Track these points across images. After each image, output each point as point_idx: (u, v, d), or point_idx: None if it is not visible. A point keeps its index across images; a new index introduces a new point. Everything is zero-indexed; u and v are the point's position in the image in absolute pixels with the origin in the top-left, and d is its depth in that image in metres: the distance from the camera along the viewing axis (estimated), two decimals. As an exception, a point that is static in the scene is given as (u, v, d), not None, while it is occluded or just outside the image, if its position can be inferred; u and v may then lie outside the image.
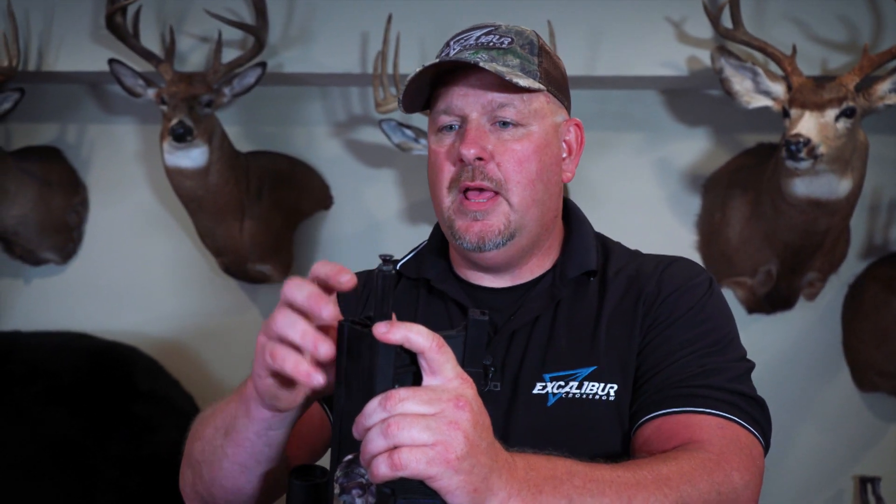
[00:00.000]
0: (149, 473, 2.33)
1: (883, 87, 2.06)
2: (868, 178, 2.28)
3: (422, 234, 2.68)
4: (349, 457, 0.72)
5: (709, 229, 2.56)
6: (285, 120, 2.74)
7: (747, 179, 2.44)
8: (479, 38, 1.08)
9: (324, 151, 2.74)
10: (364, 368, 0.71)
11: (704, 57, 2.32)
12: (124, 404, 2.43)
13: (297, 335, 0.74)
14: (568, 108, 1.16)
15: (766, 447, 1.01)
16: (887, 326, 2.43)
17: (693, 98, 2.55)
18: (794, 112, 2.06)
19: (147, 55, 2.36)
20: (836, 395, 2.58)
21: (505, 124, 1.07)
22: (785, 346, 2.57)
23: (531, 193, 1.08)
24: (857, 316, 2.52)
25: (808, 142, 1.98)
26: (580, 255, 1.13)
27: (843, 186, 2.11)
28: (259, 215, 2.57)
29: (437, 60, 1.06)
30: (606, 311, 1.08)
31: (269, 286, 2.75)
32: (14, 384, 2.42)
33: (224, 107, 2.46)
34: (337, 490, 0.73)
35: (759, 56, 2.23)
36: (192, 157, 2.35)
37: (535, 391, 1.03)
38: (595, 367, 1.04)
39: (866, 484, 2.49)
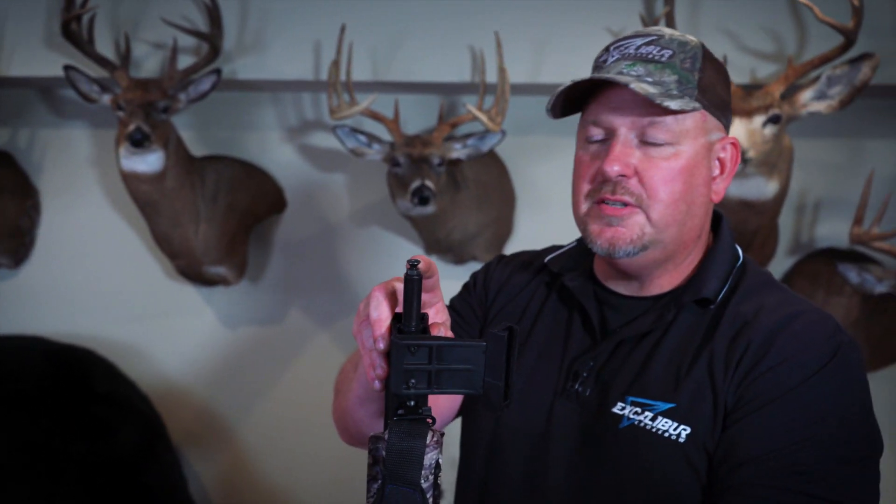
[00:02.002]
0: (111, 473, 2.37)
1: (805, 96, 2.21)
2: (795, 180, 2.43)
3: (374, 236, 2.79)
4: (375, 434, 0.81)
5: (648, 229, 2.70)
6: (239, 125, 2.80)
7: (683, 181, 2.58)
8: (639, 47, 1.06)
9: (277, 156, 2.80)
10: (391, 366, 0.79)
11: (642, 66, 2.44)
12: (84, 406, 2.46)
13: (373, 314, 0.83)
14: (726, 126, 1.13)
15: None
16: (813, 319, 2.60)
17: (632, 104, 2.68)
18: (724, 118, 2.20)
19: (102, 62, 2.40)
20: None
21: (655, 144, 1.05)
22: (720, 338, 2.71)
23: (672, 213, 1.06)
24: (785, 309, 2.69)
25: (737, 147, 2.11)
26: (704, 280, 1.09)
27: (770, 188, 2.25)
28: (214, 219, 2.62)
29: (591, 77, 1.05)
30: (706, 351, 1.03)
31: (223, 288, 2.80)
32: (-29, 388, 2.43)
33: (179, 112, 2.51)
34: (370, 461, 0.81)
35: (692, 65, 2.36)
36: (149, 161, 2.39)
37: (614, 409, 1.05)
38: (674, 405, 1.02)
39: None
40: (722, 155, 1.11)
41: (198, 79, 2.44)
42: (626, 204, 1.05)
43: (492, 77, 2.39)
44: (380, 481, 0.79)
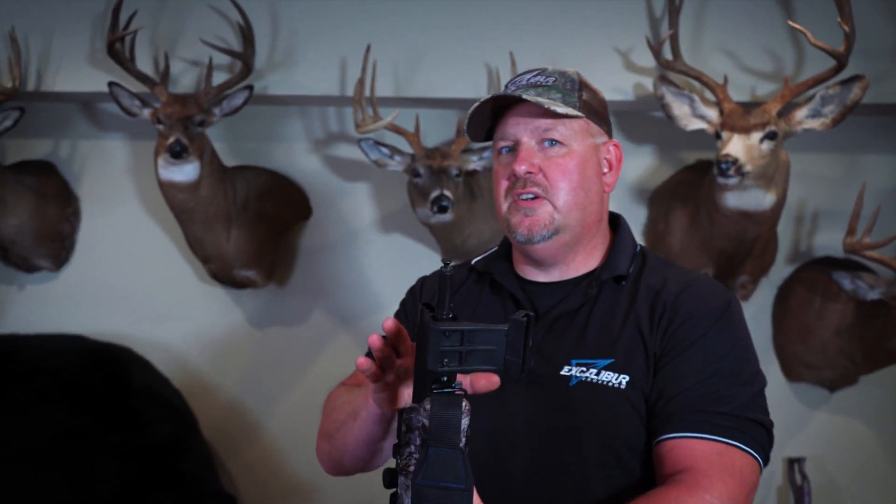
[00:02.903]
0: (145, 462, 2.53)
1: (801, 114, 2.36)
2: (793, 191, 2.57)
3: (394, 242, 2.95)
4: (412, 405, 0.96)
5: (654, 237, 2.84)
6: (267, 137, 2.97)
7: (687, 193, 2.73)
8: (529, 79, 1.31)
9: (303, 166, 2.97)
10: (422, 345, 0.94)
11: (648, 84, 2.58)
12: (120, 399, 2.63)
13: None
14: (608, 132, 1.36)
15: (766, 463, 1.21)
16: (811, 324, 2.73)
17: (639, 120, 2.83)
18: (724, 134, 2.34)
19: (143, 78, 2.57)
20: (768, 386, 2.86)
21: (551, 143, 1.28)
22: (722, 342, 2.85)
23: (573, 199, 1.28)
24: (784, 314, 2.82)
25: (735, 161, 2.26)
26: (616, 261, 1.32)
27: (768, 199, 2.39)
28: (245, 225, 2.79)
29: (492, 95, 1.30)
30: (631, 316, 1.26)
31: (252, 291, 2.96)
32: (16, 382, 2.60)
33: (213, 125, 2.68)
34: (404, 428, 0.96)
35: (695, 84, 2.51)
36: (185, 171, 2.56)
37: (562, 372, 1.24)
38: (613, 360, 1.23)
39: (793, 464, 2.79)
40: (608, 156, 1.35)
41: (231, 94, 2.61)
42: (535, 196, 1.28)
43: (506, 94, 2.55)
44: (412, 446, 0.94)
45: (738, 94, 2.50)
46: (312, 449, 1.48)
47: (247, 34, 2.58)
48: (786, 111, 2.37)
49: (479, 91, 2.61)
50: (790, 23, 2.38)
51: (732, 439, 1.16)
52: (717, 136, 2.38)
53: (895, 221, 2.66)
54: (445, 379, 0.93)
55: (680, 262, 2.67)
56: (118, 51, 2.52)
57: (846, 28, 2.22)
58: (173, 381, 2.85)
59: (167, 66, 2.61)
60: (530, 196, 1.27)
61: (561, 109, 1.26)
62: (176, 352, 2.98)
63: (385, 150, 2.57)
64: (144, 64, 2.66)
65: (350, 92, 2.67)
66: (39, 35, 2.74)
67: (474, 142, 1.38)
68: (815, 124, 2.36)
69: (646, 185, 2.88)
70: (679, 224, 2.73)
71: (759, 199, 2.39)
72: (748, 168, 2.29)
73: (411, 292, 1.49)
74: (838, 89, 2.31)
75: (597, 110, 1.33)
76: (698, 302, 1.25)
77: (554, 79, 1.30)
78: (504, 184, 1.30)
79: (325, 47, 2.69)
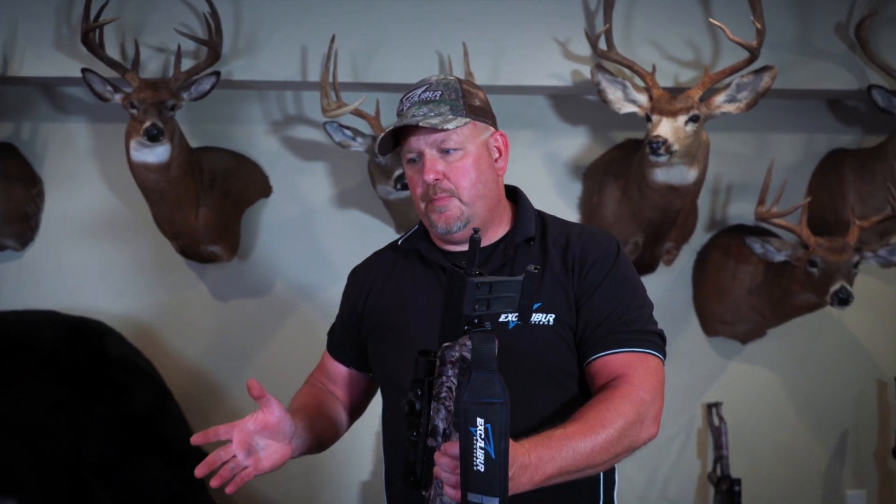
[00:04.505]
0: (130, 429, 2.68)
1: (719, 99, 2.66)
2: (710, 167, 2.87)
3: (351, 217, 3.18)
4: (447, 343, 1.18)
5: (589, 209, 3.13)
6: (227, 119, 3.12)
7: (618, 169, 3.02)
8: (420, 94, 1.54)
9: (262, 147, 3.14)
10: (455, 296, 1.17)
11: (584, 70, 2.86)
12: (101, 370, 2.75)
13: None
14: (493, 124, 1.60)
15: (664, 359, 1.52)
16: (726, 284, 3.07)
17: (575, 103, 3.11)
18: (654, 118, 2.63)
19: (114, 65, 2.69)
20: (689, 340, 3.21)
21: (448, 151, 1.52)
22: (649, 302, 3.18)
23: (475, 193, 1.54)
24: (703, 276, 3.15)
25: (665, 141, 2.56)
26: (523, 227, 1.60)
27: (691, 175, 2.69)
28: (212, 203, 2.94)
29: (396, 125, 1.53)
30: (548, 267, 1.54)
31: (216, 265, 3.13)
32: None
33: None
34: (438, 363, 1.19)
35: (627, 72, 2.79)
36: (157, 153, 2.69)
37: (500, 319, 1.50)
38: (540, 304, 1.50)
39: (712, 408, 3.13)
40: (496, 145, 1.60)
41: (199, 79, 2.75)
42: (444, 197, 1.52)
43: (458, 80, 2.79)
44: (444, 377, 1.16)
45: (663, 80, 2.79)
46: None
47: (216, 23, 2.72)
48: (706, 97, 2.68)
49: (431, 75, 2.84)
50: (711, 20, 2.69)
51: (646, 348, 1.49)
52: (648, 118, 2.67)
53: (799, 193, 3.04)
54: (476, 321, 1.17)
55: (613, 232, 3.03)
56: (91, 39, 2.64)
57: (758, 25, 2.54)
58: (142, 352, 2.99)
59: (137, 53, 2.74)
60: (441, 197, 1.52)
61: (452, 126, 1.49)
62: (142, 325, 3.12)
63: (348, 132, 2.77)
64: (112, 51, 2.77)
65: (310, 78, 2.85)
66: (4, 21, 2.82)
67: (383, 156, 1.71)
68: (731, 108, 2.67)
69: (581, 162, 3.17)
70: (612, 197, 3.02)
71: (683, 175, 2.68)
72: (675, 147, 2.58)
73: (349, 286, 1.74)
74: (751, 78, 2.63)
75: (480, 108, 1.57)
76: (598, 249, 1.55)
77: (440, 92, 1.53)
78: (419, 190, 1.55)
79: (287, 36, 2.86)
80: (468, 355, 1.14)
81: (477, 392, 1.10)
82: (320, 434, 1.62)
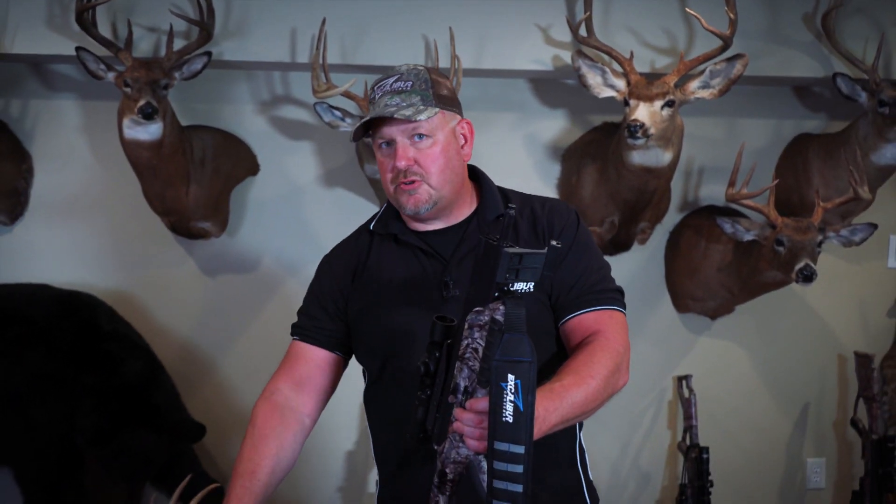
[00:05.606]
0: (122, 399, 2.75)
1: (693, 85, 2.78)
2: (684, 150, 2.99)
3: (336, 196, 3.27)
4: (478, 308, 1.27)
5: (567, 190, 3.24)
6: (216, 99, 3.18)
7: (596, 151, 3.13)
8: (391, 84, 1.63)
9: (250, 126, 3.21)
10: (490, 266, 1.26)
11: (565, 55, 2.96)
12: (93, 342, 2.81)
13: None
14: (459, 112, 1.70)
15: (626, 311, 1.69)
16: (697, 262, 3.20)
17: (555, 87, 3.22)
18: (632, 102, 2.74)
19: (107, 44, 2.74)
20: (661, 316, 3.35)
21: (420, 137, 1.61)
22: (624, 279, 3.16)
23: (443, 178, 1.64)
24: (675, 255, 3.28)
25: (642, 125, 2.67)
26: (492, 204, 1.71)
27: (666, 157, 2.81)
28: (202, 180, 3.01)
29: (371, 116, 1.62)
30: (521, 239, 1.66)
31: (204, 241, 3.20)
32: (-6, 328, 2.77)
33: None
34: (466, 326, 1.28)
35: (606, 58, 2.90)
36: (150, 131, 2.75)
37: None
38: None
39: (682, 381, 3.28)
40: (463, 132, 1.70)
41: (191, 59, 2.81)
42: (414, 181, 1.61)
43: (443, 62, 2.88)
44: (469, 339, 1.25)
45: (641, 66, 2.90)
46: (262, 386, 1.81)
47: (206, 3, 2.79)
48: (681, 83, 2.80)
49: (417, 59, 2.93)
50: (687, 10, 2.80)
51: (612, 305, 1.66)
52: (626, 102, 2.78)
53: (767, 175, 3.17)
54: (507, 288, 1.27)
55: (591, 212, 3.15)
56: (84, 18, 2.69)
57: (731, 15, 2.66)
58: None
59: (130, 33, 2.79)
60: (411, 181, 1.61)
61: (423, 117, 1.59)
62: (132, 300, 3.18)
63: (337, 112, 2.85)
64: (104, 30, 2.82)
65: (299, 59, 2.93)
66: (-4, -1, 2.86)
67: (355, 141, 1.80)
68: (705, 94, 2.79)
69: (559, 144, 3.28)
70: (589, 178, 3.14)
71: (658, 157, 2.80)
72: (652, 131, 2.70)
73: (322, 270, 1.83)
74: (724, 65, 2.75)
75: (448, 98, 1.66)
76: (561, 218, 1.69)
77: (411, 83, 1.62)
78: (389, 175, 1.64)
79: (277, 18, 2.92)
80: (500, 318, 1.24)
81: (509, 351, 1.20)
82: (278, 481, 1.73)
